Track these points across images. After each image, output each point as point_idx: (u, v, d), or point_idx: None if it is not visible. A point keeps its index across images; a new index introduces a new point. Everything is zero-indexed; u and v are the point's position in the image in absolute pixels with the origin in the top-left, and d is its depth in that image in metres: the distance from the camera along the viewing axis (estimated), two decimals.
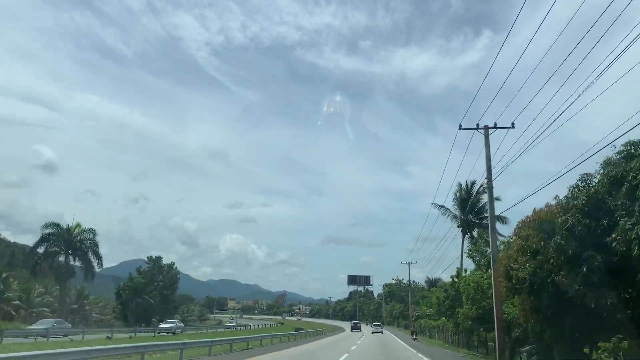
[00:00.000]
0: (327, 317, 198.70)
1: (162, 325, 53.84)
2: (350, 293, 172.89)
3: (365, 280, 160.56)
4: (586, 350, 13.88)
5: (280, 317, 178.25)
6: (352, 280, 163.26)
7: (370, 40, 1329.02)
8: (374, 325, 71.37)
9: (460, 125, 23.28)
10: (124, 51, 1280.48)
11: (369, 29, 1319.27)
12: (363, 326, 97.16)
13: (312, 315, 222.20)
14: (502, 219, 38.14)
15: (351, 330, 75.77)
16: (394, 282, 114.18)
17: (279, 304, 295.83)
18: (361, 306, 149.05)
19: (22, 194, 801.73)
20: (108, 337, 37.54)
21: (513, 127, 21.48)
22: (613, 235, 10.85)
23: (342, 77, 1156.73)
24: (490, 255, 22.05)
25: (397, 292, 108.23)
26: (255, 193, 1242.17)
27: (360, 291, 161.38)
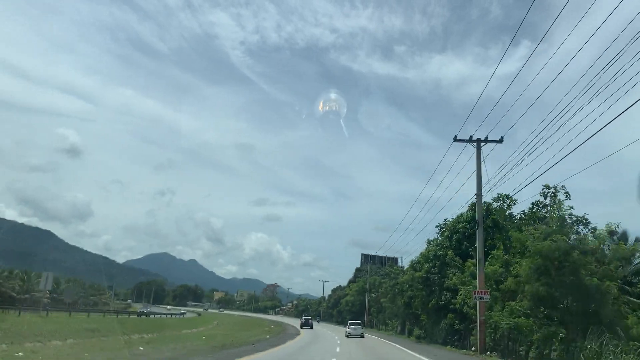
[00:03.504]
0: (318, 315, 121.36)
1: None
2: (357, 271, 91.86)
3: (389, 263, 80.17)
4: None
5: (202, 309, 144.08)
6: (369, 261, 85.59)
7: (405, 45, 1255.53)
8: (351, 324, 47.00)
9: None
10: (159, 47, 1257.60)
11: (405, 34, 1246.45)
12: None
13: (299, 313, 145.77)
14: None
15: (301, 327, 60.25)
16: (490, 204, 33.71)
17: (270, 297, 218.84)
18: (376, 289, 66.60)
19: (51, 181, 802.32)
20: None
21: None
22: None
23: (375, 82, 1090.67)
24: None
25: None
26: (281, 193, 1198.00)
27: (378, 265, 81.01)
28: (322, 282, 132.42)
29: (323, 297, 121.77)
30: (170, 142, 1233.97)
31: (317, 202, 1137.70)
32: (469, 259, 28.58)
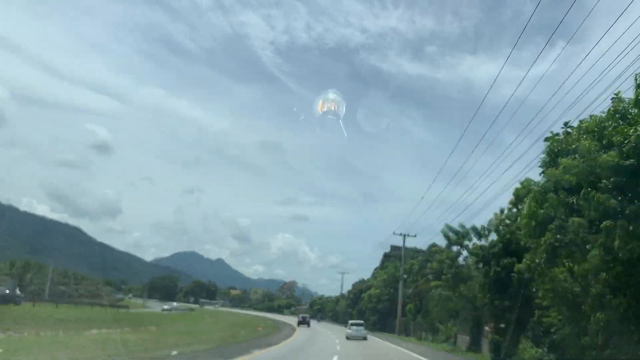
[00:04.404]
0: (335, 317, 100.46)
1: None
2: (385, 257, 69.66)
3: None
4: None
5: (197, 306, 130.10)
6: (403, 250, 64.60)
7: (436, 45, 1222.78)
8: (352, 325, 42.72)
9: None
10: (190, 47, 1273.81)
11: (436, 35, 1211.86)
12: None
13: (315, 312, 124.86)
14: None
15: (298, 325, 63.16)
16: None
17: (287, 295, 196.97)
18: (414, 277, 44.25)
19: (82, 178, 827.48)
20: None
21: None
22: None
23: (405, 83, 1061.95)
24: None
25: None
26: (308, 193, 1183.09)
27: (414, 250, 59.18)
28: (341, 275, 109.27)
29: (342, 294, 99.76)
30: (198, 141, 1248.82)
31: (345, 203, 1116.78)
32: None
